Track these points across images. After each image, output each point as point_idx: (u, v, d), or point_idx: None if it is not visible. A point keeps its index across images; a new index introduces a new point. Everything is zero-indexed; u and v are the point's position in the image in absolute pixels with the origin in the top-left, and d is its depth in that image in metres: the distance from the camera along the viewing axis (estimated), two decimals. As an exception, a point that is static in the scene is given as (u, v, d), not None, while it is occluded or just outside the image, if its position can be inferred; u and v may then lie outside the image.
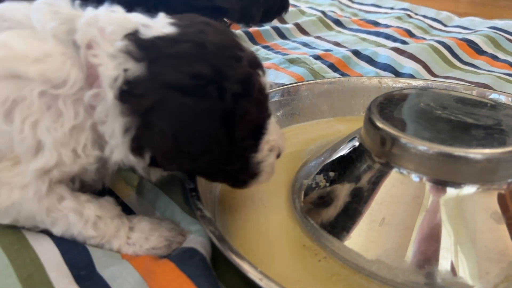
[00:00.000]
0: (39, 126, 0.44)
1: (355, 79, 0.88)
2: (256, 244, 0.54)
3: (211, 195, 0.60)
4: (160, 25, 0.45)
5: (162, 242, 0.51)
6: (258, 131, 0.49)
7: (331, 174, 0.58)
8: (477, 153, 0.48)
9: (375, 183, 0.53)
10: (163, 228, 0.52)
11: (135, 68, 0.42)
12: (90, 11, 0.48)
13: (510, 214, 0.50)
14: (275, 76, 1.02)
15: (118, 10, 0.48)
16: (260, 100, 0.48)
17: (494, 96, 0.80)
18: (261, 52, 1.24)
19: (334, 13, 1.60)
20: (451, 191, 0.50)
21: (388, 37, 1.35)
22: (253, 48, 1.27)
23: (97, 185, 0.53)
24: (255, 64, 0.48)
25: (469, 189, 0.50)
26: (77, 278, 0.47)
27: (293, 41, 1.35)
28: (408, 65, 1.09)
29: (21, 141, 0.44)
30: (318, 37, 1.39)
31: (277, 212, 0.59)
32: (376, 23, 1.50)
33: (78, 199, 0.49)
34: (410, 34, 1.38)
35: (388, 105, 0.59)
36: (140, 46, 0.43)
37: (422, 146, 0.50)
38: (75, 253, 0.49)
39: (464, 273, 0.47)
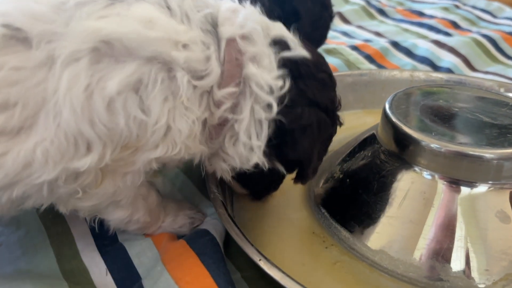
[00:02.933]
0: (174, 112, 0.41)
1: (387, 71, 0.88)
2: (269, 228, 0.57)
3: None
4: (297, 43, 0.48)
5: (186, 220, 0.56)
6: None
7: (346, 166, 0.60)
8: (485, 152, 0.49)
9: (386, 177, 0.54)
10: (186, 208, 0.57)
11: (288, 84, 0.45)
12: (228, 2, 0.47)
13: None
14: (309, 66, 1.03)
15: (252, 9, 0.47)
16: None
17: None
18: (299, 41, 1.25)
19: (379, 2, 1.58)
20: (463, 190, 0.51)
21: (431, 28, 1.32)
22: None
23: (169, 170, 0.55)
24: None
25: (480, 188, 0.51)
26: (100, 246, 0.53)
27: (334, 30, 1.35)
28: (447, 59, 1.07)
29: (154, 132, 0.41)
30: (360, 27, 1.38)
31: (292, 199, 0.62)
32: (421, 14, 1.47)
33: (147, 185, 0.51)
34: (455, 25, 1.35)
35: (407, 100, 0.60)
36: (295, 63, 0.46)
37: (433, 143, 0.51)
38: (101, 226, 0.54)
39: (467, 269, 0.48)
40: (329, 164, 0.64)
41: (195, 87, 0.42)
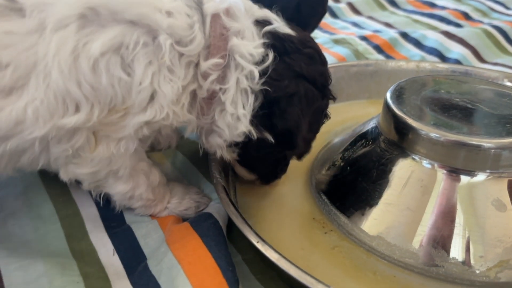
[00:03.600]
0: (159, 76, 0.44)
1: (393, 62, 0.89)
2: (270, 213, 0.59)
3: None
4: (280, 22, 0.50)
5: (192, 203, 0.58)
6: None
7: (347, 154, 0.61)
8: (483, 141, 0.50)
9: (385, 165, 0.55)
10: (192, 192, 0.59)
11: (272, 55, 0.47)
12: None
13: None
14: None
15: None
16: None
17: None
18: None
19: (391, -7, 1.57)
20: (462, 178, 0.52)
21: (442, 19, 1.31)
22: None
23: (165, 145, 0.57)
24: None
25: (479, 177, 0.51)
26: (108, 228, 0.55)
27: (344, 21, 1.36)
28: (456, 50, 1.07)
29: (138, 92, 0.44)
30: (370, 17, 1.38)
31: (294, 186, 0.63)
32: (432, 5, 1.46)
33: (148, 162, 0.54)
34: (467, 17, 1.34)
35: (408, 90, 0.60)
36: (278, 37, 0.48)
37: (432, 132, 0.52)
38: (109, 209, 0.56)
39: (463, 255, 0.49)
40: (332, 153, 0.65)
41: (180, 55, 0.45)
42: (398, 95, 0.59)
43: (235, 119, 0.48)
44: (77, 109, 0.43)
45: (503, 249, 0.49)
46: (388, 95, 0.59)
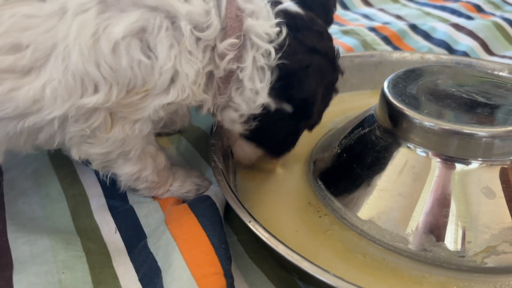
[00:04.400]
0: (180, 58, 0.46)
1: (398, 53, 0.90)
2: (267, 198, 0.61)
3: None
4: (290, 2, 0.53)
5: (193, 186, 0.61)
6: None
7: (344, 141, 0.63)
8: (476, 130, 0.51)
9: (380, 152, 0.57)
10: (193, 176, 0.62)
11: (285, 32, 0.50)
12: None
13: (510, 188, 0.52)
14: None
15: None
16: None
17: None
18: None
19: (404, -15, 1.56)
20: (456, 166, 0.53)
21: (453, 12, 1.31)
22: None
23: (179, 125, 0.59)
24: None
25: (472, 165, 0.53)
26: (111, 207, 0.58)
27: (354, 13, 1.36)
28: (464, 42, 1.07)
29: (161, 74, 0.45)
30: (381, 9, 1.39)
31: (293, 172, 0.65)
32: (445, -3, 1.46)
33: (156, 146, 0.56)
34: (479, 9, 1.33)
35: (405, 80, 0.61)
36: (290, 16, 0.51)
37: (425, 121, 0.53)
38: (114, 189, 0.59)
39: (451, 240, 0.51)
40: (331, 141, 0.67)
41: (198, 39, 0.47)
42: (395, 84, 0.60)
43: (254, 93, 0.50)
44: (96, 89, 0.45)
45: (490, 235, 0.50)
46: (386, 84, 0.60)
